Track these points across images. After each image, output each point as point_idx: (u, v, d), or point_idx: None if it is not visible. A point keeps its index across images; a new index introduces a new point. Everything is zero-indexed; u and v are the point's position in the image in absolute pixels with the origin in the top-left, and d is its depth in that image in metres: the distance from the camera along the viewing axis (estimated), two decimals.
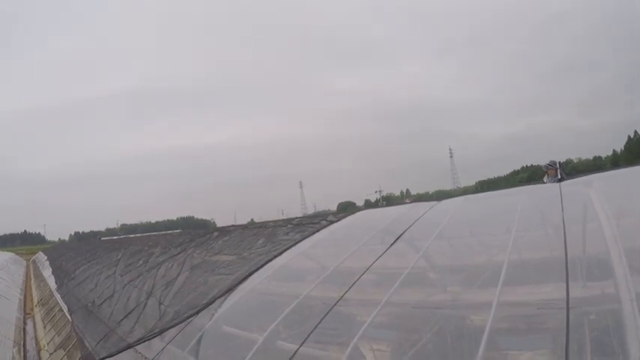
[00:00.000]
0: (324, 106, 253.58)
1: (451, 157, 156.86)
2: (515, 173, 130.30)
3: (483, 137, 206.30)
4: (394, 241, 6.19)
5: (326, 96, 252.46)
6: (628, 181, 7.18)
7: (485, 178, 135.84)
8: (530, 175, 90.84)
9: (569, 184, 7.46)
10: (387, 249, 6.07)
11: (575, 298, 4.11)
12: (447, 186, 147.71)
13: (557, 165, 11.74)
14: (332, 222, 9.28)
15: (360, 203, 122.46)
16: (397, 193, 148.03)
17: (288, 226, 10.38)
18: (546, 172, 11.75)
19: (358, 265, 5.96)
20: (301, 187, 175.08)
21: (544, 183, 11.11)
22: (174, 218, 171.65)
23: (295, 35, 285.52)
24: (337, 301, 5.30)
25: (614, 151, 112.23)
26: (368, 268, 5.73)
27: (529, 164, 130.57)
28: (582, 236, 5.31)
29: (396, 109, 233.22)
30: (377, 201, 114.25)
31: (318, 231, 8.75)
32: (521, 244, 5.61)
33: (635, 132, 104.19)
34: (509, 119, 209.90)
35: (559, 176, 11.31)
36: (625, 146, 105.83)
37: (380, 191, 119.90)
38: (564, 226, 5.23)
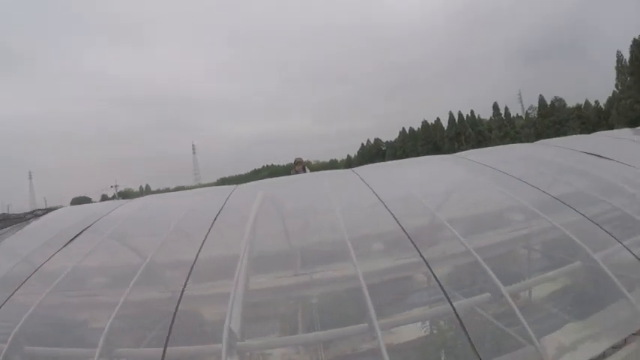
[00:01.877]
0: (60, 88, 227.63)
1: (194, 153, 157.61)
2: (256, 172, 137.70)
3: (229, 136, 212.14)
4: (71, 240, 6.48)
5: (64, 76, 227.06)
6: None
7: (227, 175, 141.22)
8: (270, 174, 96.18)
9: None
10: (62, 247, 6.31)
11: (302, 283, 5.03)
12: (189, 182, 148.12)
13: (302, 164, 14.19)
14: (37, 217, 9.29)
15: (96, 199, 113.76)
16: (136, 188, 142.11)
17: None
18: (295, 166, 14.01)
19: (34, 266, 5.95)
20: (30, 178, 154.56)
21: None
22: None
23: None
24: None
25: (348, 155, 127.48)
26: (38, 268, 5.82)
27: (270, 164, 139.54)
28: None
29: (143, 98, 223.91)
30: (113, 196, 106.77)
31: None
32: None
33: (368, 140, 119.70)
34: (255, 120, 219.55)
35: (305, 171, 13.22)
36: (358, 152, 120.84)
37: (116, 186, 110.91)
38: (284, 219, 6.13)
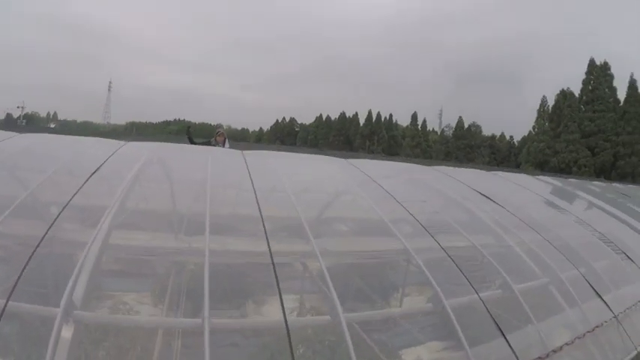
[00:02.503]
0: None
1: (110, 90, 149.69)
2: (166, 123, 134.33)
3: (148, 81, 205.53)
4: None
5: None
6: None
7: (137, 120, 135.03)
8: (179, 129, 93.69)
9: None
10: None
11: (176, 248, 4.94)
12: (98, 119, 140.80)
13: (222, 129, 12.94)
14: None
15: (0, 116, 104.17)
16: (44, 114, 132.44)
17: None
18: (215, 136, 12.60)
19: None
20: None
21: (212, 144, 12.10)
22: None
23: None
24: None
25: (260, 128, 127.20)
26: None
27: (182, 118, 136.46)
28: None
29: (63, 21, 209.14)
30: (19, 118, 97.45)
31: None
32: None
33: (283, 118, 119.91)
34: (178, 72, 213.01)
35: (226, 144, 12.28)
36: (271, 127, 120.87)
37: (22, 107, 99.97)
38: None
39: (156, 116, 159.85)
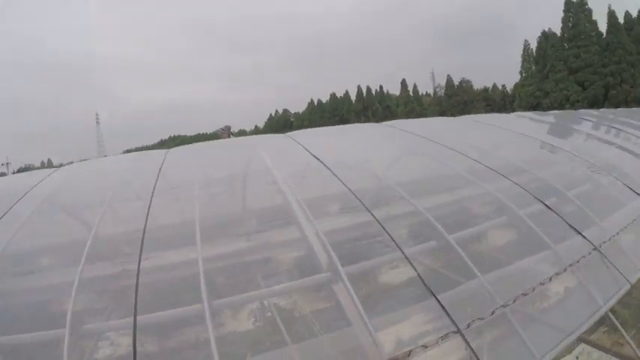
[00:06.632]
0: None
1: (98, 123, 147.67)
2: (162, 143, 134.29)
3: (133, 104, 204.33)
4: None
5: None
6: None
7: (132, 147, 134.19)
8: (178, 145, 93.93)
9: None
10: None
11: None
12: (93, 155, 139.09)
13: (229, 131, 14.03)
14: None
15: None
16: (38, 163, 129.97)
17: None
18: (221, 136, 13.66)
19: None
20: None
21: None
22: None
23: None
24: None
25: (256, 126, 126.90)
26: None
27: (177, 134, 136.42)
28: None
29: (34, 62, 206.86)
30: (2, 174, 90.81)
31: None
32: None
33: (277, 111, 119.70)
34: (160, 87, 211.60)
35: None
36: (266, 122, 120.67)
37: (7, 163, 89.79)
38: None
39: (150, 138, 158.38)
